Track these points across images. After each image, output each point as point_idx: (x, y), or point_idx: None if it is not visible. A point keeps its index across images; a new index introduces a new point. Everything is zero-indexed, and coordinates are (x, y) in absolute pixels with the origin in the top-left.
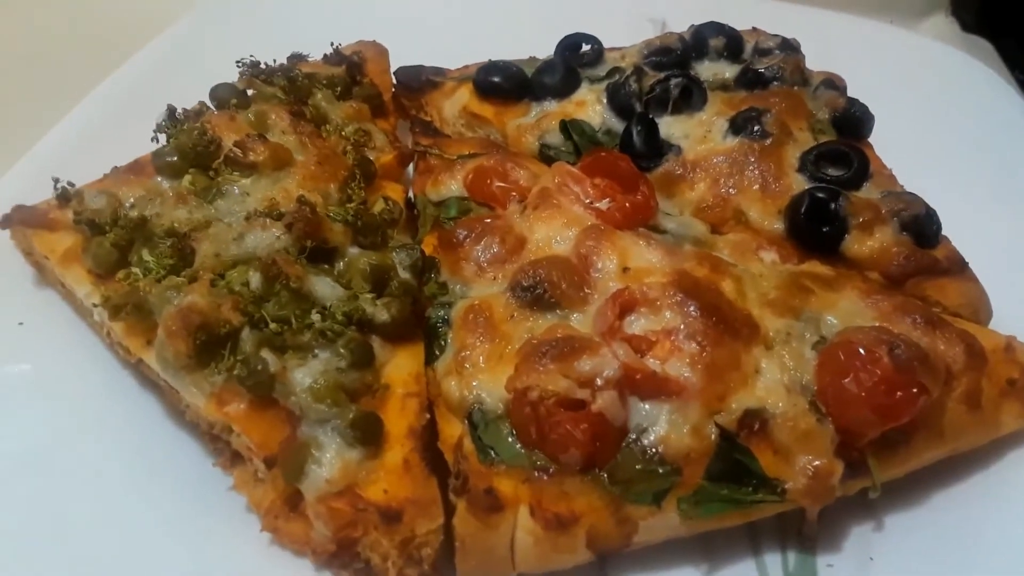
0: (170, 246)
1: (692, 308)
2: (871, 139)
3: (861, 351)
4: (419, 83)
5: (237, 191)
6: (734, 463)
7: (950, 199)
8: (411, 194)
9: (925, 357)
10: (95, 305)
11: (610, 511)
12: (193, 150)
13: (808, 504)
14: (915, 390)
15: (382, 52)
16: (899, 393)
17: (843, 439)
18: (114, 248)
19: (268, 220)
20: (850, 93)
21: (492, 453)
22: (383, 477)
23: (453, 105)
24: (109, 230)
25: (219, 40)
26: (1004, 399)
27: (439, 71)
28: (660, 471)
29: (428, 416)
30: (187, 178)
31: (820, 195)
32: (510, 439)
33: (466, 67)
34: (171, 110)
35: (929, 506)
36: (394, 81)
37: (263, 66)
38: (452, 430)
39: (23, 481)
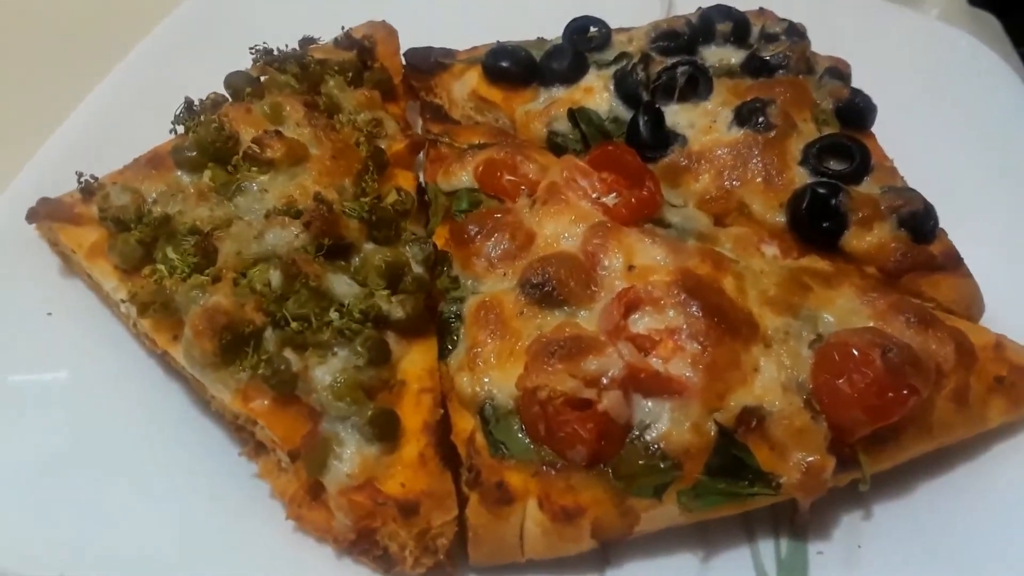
0: (194, 244)
1: (695, 308)
2: (875, 126)
3: (855, 352)
4: (428, 65)
5: (256, 188)
6: (732, 458)
7: (949, 185)
8: (422, 179)
9: (916, 360)
10: (123, 301)
11: (614, 504)
12: (212, 145)
13: (801, 497)
14: (905, 392)
15: (392, 34)
16: (890, 394)
17: (835, 435)
18: (139, 245)
19: (287, 219)
20: (855, 74)
21: (503, 448)
22: (400, 471)
23: (462, 87)
24: (134, 227)
25: (226, 21)
26: (991, 395)
27: (448, 52)
28: (661, 466)
29: (442, 411)
30: (207, 173)
31: (821, 190)
32: (520, 435)
33: (475, 48)
34: (188, 102)
35: (916, 496)
36: (404, 62)
37: (276, 52)
38: (465, 424)
39: (50, 469)
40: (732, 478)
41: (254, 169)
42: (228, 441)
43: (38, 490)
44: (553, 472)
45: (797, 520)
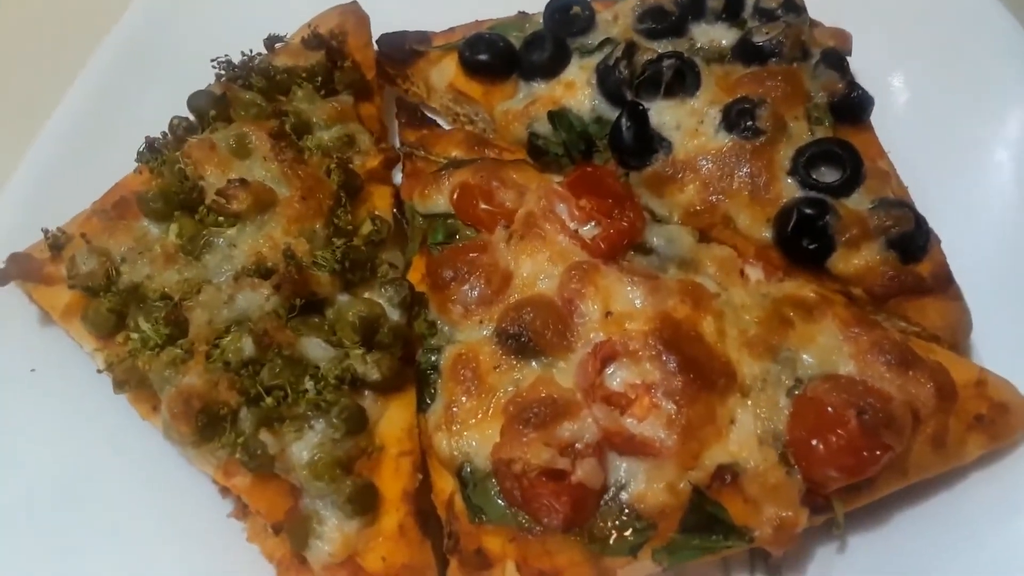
0: (164, 316)
1: (672, 363)
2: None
3: (829, 411)
4: (403, 54)
5: (223, 243)
6: (706, 515)
7: (951, 159)
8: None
9: (891, 419)
10: (99, 371)
11: (590, 564)
12: (176, 196)
13: (774, 550)
14: (879, 452)
15: (362, 21)
16: (864, 453)
17: (810, 487)
18: (110, 313)
19: (256, 280)
20: (855, 32)
21: (481, 513)
22: (381, 544)
23: (440, 75)
24: (103, 295)
25: (183, 20)
26: (970, 433)
27: (424, 37)
28: (636, 526)
29: (421, 476)
30: (174, 228)
31: (808, 211)
32: (498, 499)
33: (452, 31)
34: (149, 142)
35: (891, 527)
36: (376, 49)
37: (242, 55)
38: (444, 484)
39: (43, 523)
40: (706, 533)
41: (221, 219)
42: (220, 499)
43: (28, 548)
44: (530, 536)
45: (772, 561)
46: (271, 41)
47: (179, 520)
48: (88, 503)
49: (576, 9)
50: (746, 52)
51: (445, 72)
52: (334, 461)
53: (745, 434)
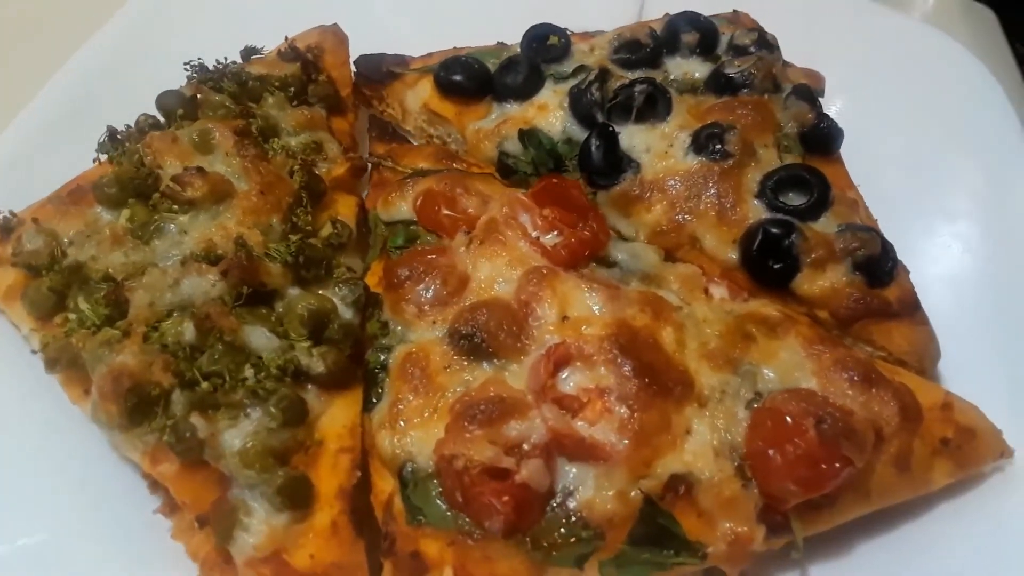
0: (104, 296)
1: (627, 367)
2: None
3: (788, 421)
4: (380, 74)
5: (174, 229)
6: (657, 527)
7: (921, 200)
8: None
9: (851, 431)
10: (33, 352)
11: (532, 574)
12: (131, 182)
13: (727, 568)
14: (838, 464)
15: (341, 41)
16: (823, 466)
17: (767, 502)
18: (51, 293)
19: (204, 265)
20: (833, 78)
21: (420, 515)
22: (311, 540)
23: (415, 96)
24: (45, 274)
25: (166, 31)
26: (936, 458)
27: (401, 60)
28: (583, 535)
29: (359, 474)
30: (125, 213)
31: (773, 230)
32: (438, 501)
33: (430, 56)
34: (111, 132)
35: (854, 558)
36: (354, 70)
37: (216, 63)
38: (384, 485)
39: None
40: (657, 547)
41: (174, 208)
42: (146, 494)
43: None
44: (470, 541)
45: None
46: (248, 53)
47: (102, 513)
48: (14, 493)
49: (554, 39)
50: (718, 83)
51: (420, 94)
52: (267, 450)
53: (701, 444)
